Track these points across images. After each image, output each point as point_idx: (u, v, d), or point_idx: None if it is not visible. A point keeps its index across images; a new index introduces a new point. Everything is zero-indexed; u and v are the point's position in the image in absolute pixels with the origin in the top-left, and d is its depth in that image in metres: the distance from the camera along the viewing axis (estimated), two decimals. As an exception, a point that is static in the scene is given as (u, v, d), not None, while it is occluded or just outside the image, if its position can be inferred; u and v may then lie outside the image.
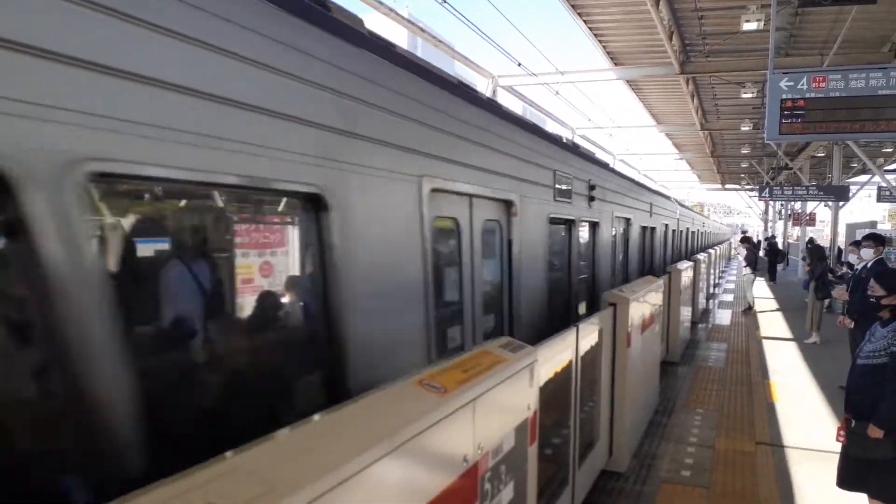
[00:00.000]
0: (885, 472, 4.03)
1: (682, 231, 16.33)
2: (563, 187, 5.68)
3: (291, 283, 2.46)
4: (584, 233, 6.76)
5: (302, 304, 2.54)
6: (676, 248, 15.83)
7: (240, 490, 1.36)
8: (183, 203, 2.05)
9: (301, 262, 2.49)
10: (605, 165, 8.03)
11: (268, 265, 2.32)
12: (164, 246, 2.03)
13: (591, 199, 6.65)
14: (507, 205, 4.38)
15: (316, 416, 1.82)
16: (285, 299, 2.47)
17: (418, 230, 3.04)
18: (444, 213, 3.50)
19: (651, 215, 11.16)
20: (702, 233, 24.82)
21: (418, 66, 3.26)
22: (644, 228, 10.42)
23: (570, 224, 6.05)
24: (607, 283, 7.52)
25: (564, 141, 6.52)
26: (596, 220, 6.95)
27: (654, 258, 11.51)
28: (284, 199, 2.34)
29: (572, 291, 6.27)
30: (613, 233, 7.98)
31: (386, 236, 2.80)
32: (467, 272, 3.82)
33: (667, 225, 13.58)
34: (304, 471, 1.49)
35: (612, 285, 7.68)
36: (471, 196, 3.79)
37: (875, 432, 3.97)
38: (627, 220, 8.94)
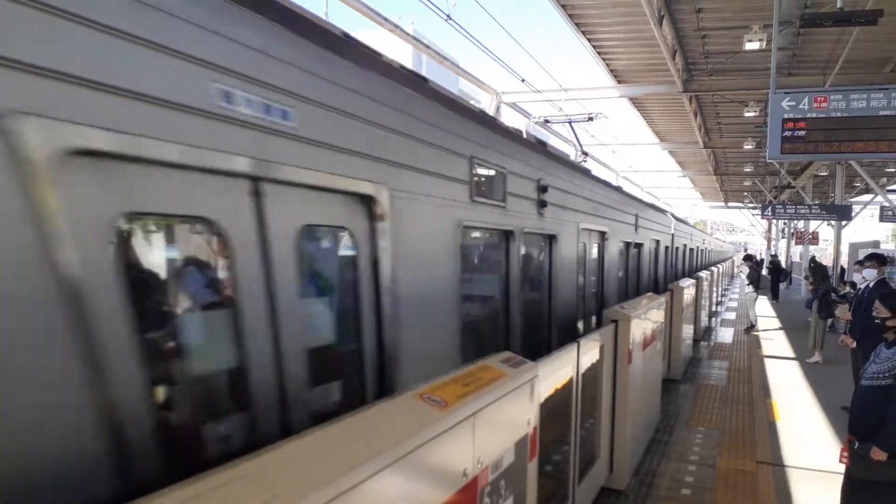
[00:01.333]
0: (889, 495, 4.01)
1: (677, 248, 14.64)
2: (486, 183, 3.91)
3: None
4: (531, 249, 5.14)
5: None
6: (671, 267, 13.84)
7: (244, 498, 1.39)
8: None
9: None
10: (565, 161, 5.97)
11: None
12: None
13: (543, 203, 4.86)
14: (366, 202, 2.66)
15: (320, 428, 1.84)
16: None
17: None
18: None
19: (637, 229, 9.21)
20: (702, 250, 23.56)
21: None
22: (627, 245, 8.55)
23: (506, 236, 4.35)
24: (564, 318, 5.49)
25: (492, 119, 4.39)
26: (552, 232, 5.14)
27: (639, 281, 9.63)
28: None
29: (510, 330, 4.40)
30: (578, 250, 6.04)
31: None
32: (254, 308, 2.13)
33: (658, 241, 11.28)
34: (308, 481, 1.52)
35: (574, 319, 5.83)
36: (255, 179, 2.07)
37: (878, 454, 3.94)
38: (602, 235, 7.07)
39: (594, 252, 7.00)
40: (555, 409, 3.94)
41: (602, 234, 7.10)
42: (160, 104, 1.69)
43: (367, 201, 2.65)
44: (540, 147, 5.19)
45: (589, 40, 12.97)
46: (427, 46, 12.24)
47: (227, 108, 1.90)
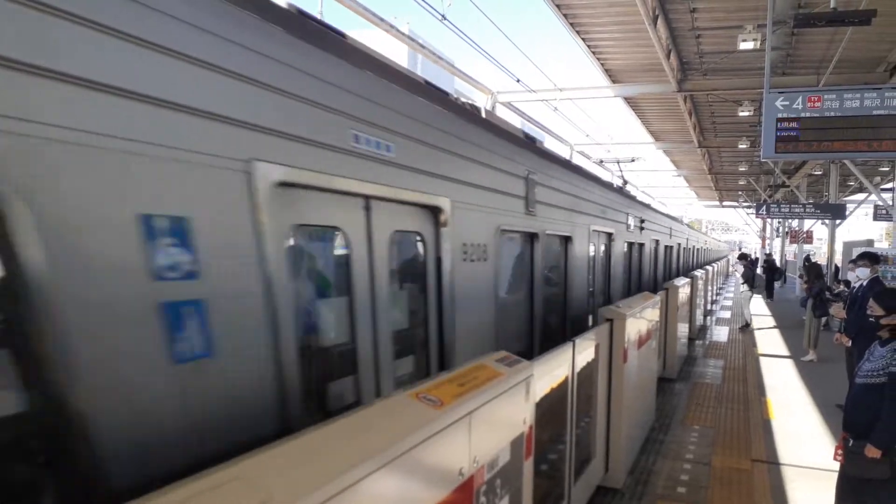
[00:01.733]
0: (883, 492, 4.03)
1: (673, 247, 15.52)
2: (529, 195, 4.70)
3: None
4: (552, 248, 5.71)
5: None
6: (669, 266, 14.61)
7: (239, 499, 1.39)
8: None
9: None
10: (581, 170, 6.57)
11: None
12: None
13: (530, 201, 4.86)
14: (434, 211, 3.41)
15: (315, 427, 1.84)
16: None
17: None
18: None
19: (640, 231, 9.89)
20: (697, 249, 24.10)
21: None
22: (630, 245, 9.37)
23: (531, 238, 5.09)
24: (579, 309, 6.23)
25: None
26: (567, 233, 5.86)
27: (641, 278, 10.35)
28: None
29: (534, 318, 5.25)
30: (590, 249, 6.68)
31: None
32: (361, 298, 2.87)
33: (657, 241, 12.07)
34: (303, 481, 1.52)
35: (586, 312, 6.55)
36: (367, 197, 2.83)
37: (872, 452, 3.96)
38: (609, 236, 7.78)
39: (603, 251, 7.86)
40: (550, 409, 3.96)
41: (609, 236, 7.92)
42: (321, 146, 2.43)
43: (435, 211, 3.42)
44: (566, 162, 6.40)
45: (584, 40, 13.00)
46: (422, 46, 12.24)
47: (356, 147, 2.65)
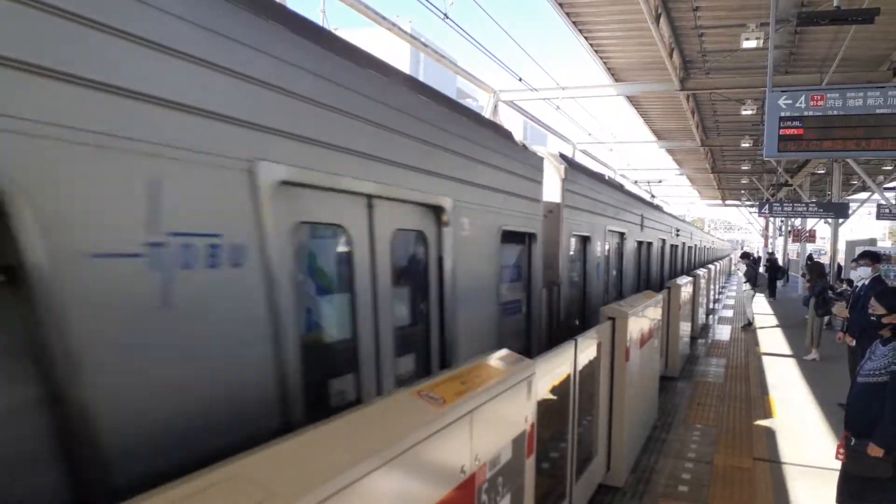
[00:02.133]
0: (885, 491, 4.03)
1: (678, 246, 16.14)
2: None
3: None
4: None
5: None
6: (674, 263, 15.54)
7: (240, 496, 1.39)
8: None
9: None
10: (598, 175, 7.67)
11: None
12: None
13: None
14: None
15: (317, 425, 1.85)
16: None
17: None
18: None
19: (644, 230, 10.77)
20: (700, 248, 24.64)
21: None
22: (639, 243, 10.17)
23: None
24: (596, 301, 7.10)
25: None
26: (586, 234, 6.79)
27: (649, 274, 11.24)
28: None
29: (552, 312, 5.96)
30: (605, 248, 7.64)
31: None
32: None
33: (664, 240, 13.05)
34: (304, 479, 1.52)
35: (600, 303, 6.95)
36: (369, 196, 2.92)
37: (875, 451, 3.96)
38: (622, 235, 8.72)
39: (616, 249, 8.67)
40: (552, 407, 3.96)
41: (622, 235, 8.69)
42: (318, 144, 2.47)
43: (437, 210, 3.56)
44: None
45: (586, 38, 12.98)
46: (425, 45, 12.24)
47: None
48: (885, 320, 4.33)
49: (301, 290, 2.55)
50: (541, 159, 5.57)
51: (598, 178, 7.89)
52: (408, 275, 3.42)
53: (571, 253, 6.52)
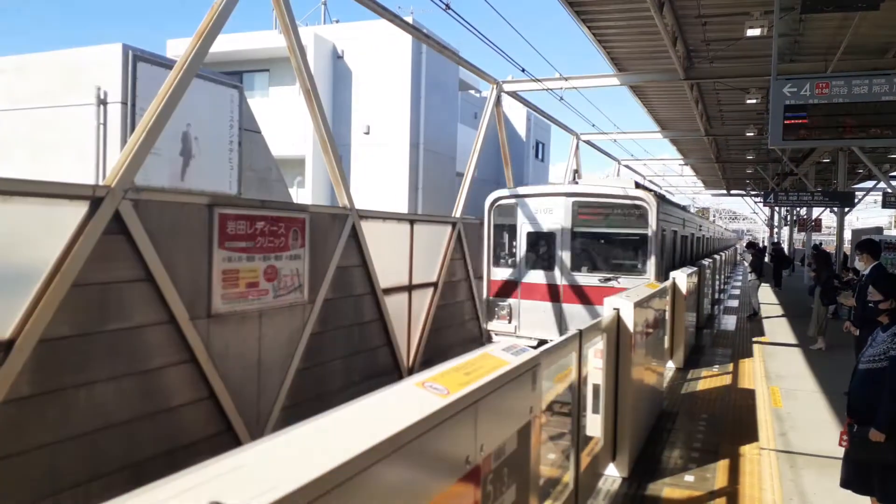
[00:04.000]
0: (889, 476, 4.04)
1: (688, 237, 18.03)
2: None
3: None
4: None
5: None
6: (697, 250, 19.12)
7: (241, 488, 1.39)
8: None
9: None
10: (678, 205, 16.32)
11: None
12: None
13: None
14: None
15: (321, 416, 1.84)
16: None
17: None
18: None
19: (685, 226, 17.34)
20: (708, 238, 26.47)
21: None
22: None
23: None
24: None
25: None
26: (646, 233, 11.04)
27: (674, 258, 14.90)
28: None
29: None
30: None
31: None
32: None
33: (692, 233, 17.18)
34: (307, 470, 1.52)
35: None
36: None
37: (876, 436, 3.99)
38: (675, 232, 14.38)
39: (672, 239, 13.27)
40: (557, 397, 3.97)
41: (675, 232, 13.47)
42: (693, 227, 10.64)
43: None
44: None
45: (589, 28, 12.90)
46: (427, 36, 12.19)
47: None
48: (881, 306, 4.35)
49: None
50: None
51: (666, 200, 14.33)
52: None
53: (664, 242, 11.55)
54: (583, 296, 10.75)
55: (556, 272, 10.94)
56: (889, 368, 4.02)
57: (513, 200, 11.38)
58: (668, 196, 27.45)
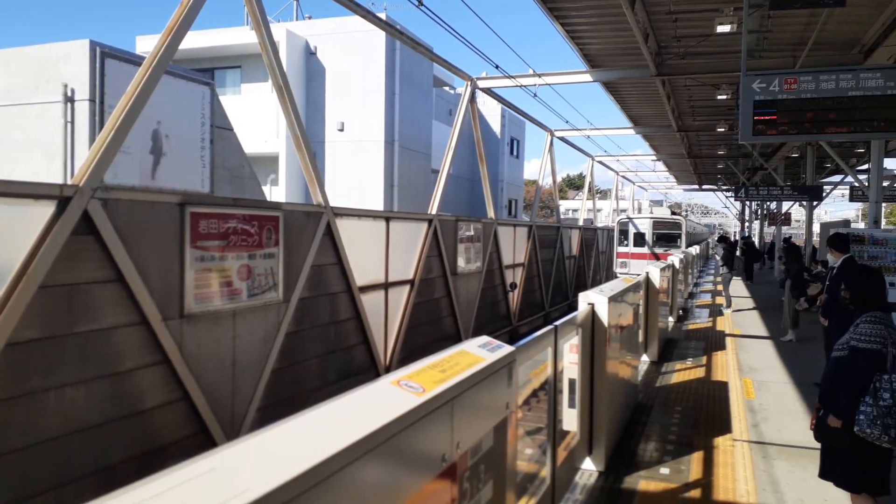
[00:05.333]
0: (846, 463, 4.17)
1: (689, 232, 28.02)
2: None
3: None
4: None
5: None
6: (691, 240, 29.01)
7: (214, 491, 1.36)
8: None
9: None
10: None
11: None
12: None
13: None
14: None
15: (293, 417, 1.82)
16: None
17: None
18: None
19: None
20: (697, 232, 38.72)
21: None
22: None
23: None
24: None
25: None
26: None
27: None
28: None
29: None
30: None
31: None
32: None
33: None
34: (281, 471, 1.50)
35: None
36: None
37: (833, 422, 4.11)
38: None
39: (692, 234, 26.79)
40: (534, 393, 3.98)
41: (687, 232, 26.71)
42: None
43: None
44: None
45: (562, 24, 12.95)
46: (400, 33, 12.14)
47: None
48: (843, 295, 4.56)
49: None
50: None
51: (685, 219, 27.94)
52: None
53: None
54: (656, 256, 24.62)
55: (646, 248, 26.06)
56: (848, 357, 4.13)
57: (626, 219, 27.23)
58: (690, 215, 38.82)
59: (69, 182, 4.95)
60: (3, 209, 4.44)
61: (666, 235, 26.11)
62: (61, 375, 4.66)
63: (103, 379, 4.95)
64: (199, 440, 5.70)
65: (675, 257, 15.12)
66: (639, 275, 9.87)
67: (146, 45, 23.08)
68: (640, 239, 26.20)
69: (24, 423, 4.44)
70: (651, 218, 26.84)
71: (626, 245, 26.32)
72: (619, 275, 20.32)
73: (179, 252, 5.55)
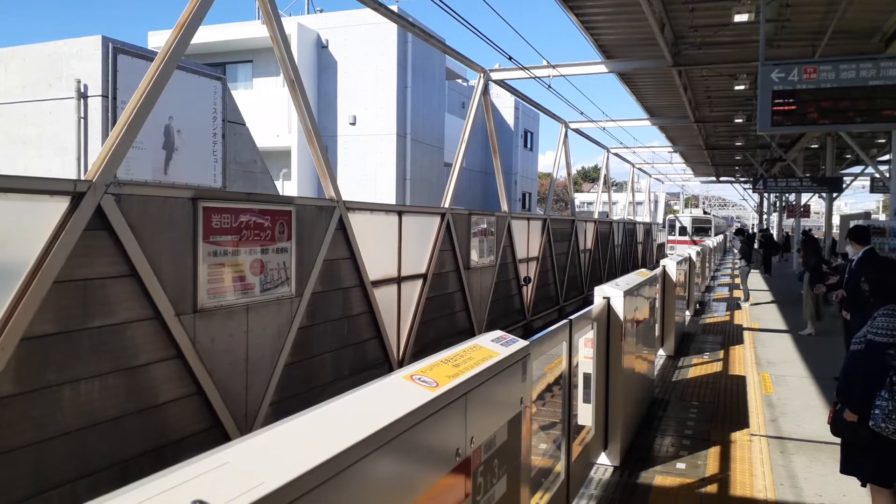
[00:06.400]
0: (864, 457, 4.13)
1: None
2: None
3: None
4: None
5: None
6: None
7: (228, 485, 1.35)
8: None
9: None
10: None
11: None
12: None
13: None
14: None
15: (307, 411, 1.81)
16: None
17: None
18: None
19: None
20: (718, 225, 46.09)
21: None
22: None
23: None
24: None
25: None
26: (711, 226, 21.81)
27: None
28: None
29: None
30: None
31: None
32: None
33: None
34: (294, 466, 1.48)
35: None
36: None
37: (849, 416, 4.07)
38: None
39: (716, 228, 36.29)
40: (548, 387, 3.94)
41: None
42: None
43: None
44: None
45: (576, 15, 12.83)
46: (412, 25, 12.08)
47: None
48: (863, 287, 4.54)
49: None
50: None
51: (713, 217, 43.25)
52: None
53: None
54: (694, 242, 32.53)
55: (687, 237, 37.84)
56: (864, 351, 4.06)
57: (674, 217, 42.47)
58: (710, 212, 54.45)
59: (83, 178, 4.96)
60: (19, 205, 4.46)
61: (700, 228, 39.05)
62: (76, 370, 4.68)
63: (118, 373, 4.96)
64: (212, 434, 5.71)
65: (708, 241, 23.42)
66: (683, 255, 12.43)
67: (158, 40, 23.19)
68: (683, 231, 39.44)
69: (41, 416, 4.46)
70: (691, 216, 41.52)
71: (674, 235, 39.49)
72: (668, 254, 25.07)
73: (192, 247, 5.55)
